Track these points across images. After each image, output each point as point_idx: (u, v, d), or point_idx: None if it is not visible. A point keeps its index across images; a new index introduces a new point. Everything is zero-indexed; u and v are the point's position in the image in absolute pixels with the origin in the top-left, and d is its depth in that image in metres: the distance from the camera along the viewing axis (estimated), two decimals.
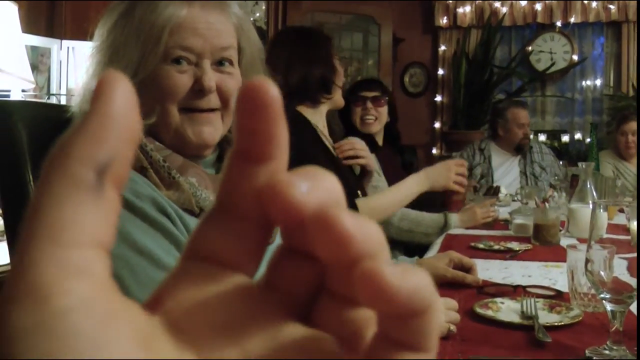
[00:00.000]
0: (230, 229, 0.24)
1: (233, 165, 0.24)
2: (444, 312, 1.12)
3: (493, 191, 3.25)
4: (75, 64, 2.89)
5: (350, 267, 0.21)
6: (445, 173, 2.16)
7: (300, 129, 2.10)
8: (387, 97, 3.01)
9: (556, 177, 3.84)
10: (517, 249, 1.96)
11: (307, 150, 2.07)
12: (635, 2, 6.44)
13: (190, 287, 0.23)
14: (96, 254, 0.20)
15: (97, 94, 0.21)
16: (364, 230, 0.22)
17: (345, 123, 2.98)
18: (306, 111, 2.20)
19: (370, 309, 0.23)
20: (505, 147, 4.27)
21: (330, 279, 0.24)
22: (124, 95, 0.21)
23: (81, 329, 0.19)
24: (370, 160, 2.34)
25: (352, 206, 2.05)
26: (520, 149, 4.21)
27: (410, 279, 0.21)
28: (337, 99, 2.31)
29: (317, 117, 2.23)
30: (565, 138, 6.75)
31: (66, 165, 0.20)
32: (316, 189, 0.23)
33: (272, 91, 0.23)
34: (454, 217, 2.52)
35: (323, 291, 0.24)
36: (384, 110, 2.96)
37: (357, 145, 2.30)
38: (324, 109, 2.28)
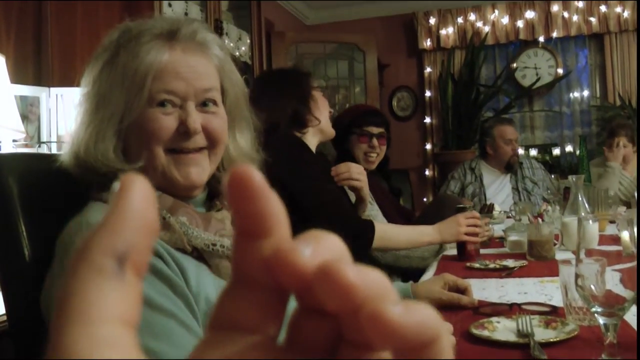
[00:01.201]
0: (247, 299, 0.26)
1: (239, 243, 0.26)
2: None
3: (487, 209, 3.27)
4: (64, 111, 2.91)
5: (357, 312, 0.23)
6: (455, 228, 2.19)
7: (300, 150, 2.18)
8: (389, 132, 3.02)
9: (549, 191, 3.86)
10: (513, 266, 1.97)
11: (308, 164, 2.11)
12: (616, 14, 6.51)
13: (214, 351, 0.25)
14: (123, 329, 0.23)
15: (118, 193, 0.24)
16: (366, 277, 0.23)
17: (340, 152, 2.98)
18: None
19: (381, 347, 0.24)
20: (495, 165, 4.29)
21: (345, 329, 0.25)
22: (141, 193, 0.24)
23: None
24: (366, 186, 2.35)
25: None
26: (511, 167, 4.23)
27: (414, 313, 0.23)
28: (325, 128, 2.33)
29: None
30: (556, 151, 6.78)
31: (90, 255, 0.23)
32: (319, 250, 0.25)
33: (256, 176, 0.25)
34: None
35: (342, 342, 0.26)
36: (385, 146, 2.98)
37: (353, 168, 2.32)
38: (312, 140, 2.30)
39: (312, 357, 0.26)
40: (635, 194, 2.97)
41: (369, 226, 2.08)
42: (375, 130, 2.92)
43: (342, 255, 0.25)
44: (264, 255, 0.25)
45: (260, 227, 0.26)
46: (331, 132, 2.38)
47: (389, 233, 2.12)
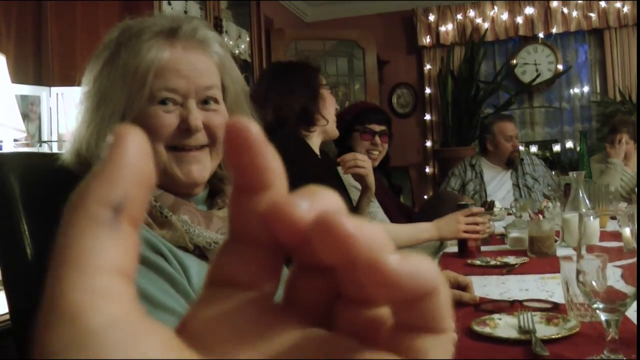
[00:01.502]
0: (243, 255, 0.26)
1: (236, 199, 0.26)
2: None
3: (488, 206, 3.27)
4: (65, 110, 2.91)
5: (355, 264, 0.23)
6: (454, 225, 2.20)
7: (299, 148, 2.17)
8: (391, 129, 3.03)
9: (549, 188, 3.86)
10: (514, 263, 1.97)
11: (310, 165, 2.11)
12: (616, 9, 6.51)
13: (210, 307, 0.25)
14: (119, 279, 0.22)
15: (113, 143, 0.24)
16: (364, 229, 0.23)
17: (341, 149, 2.98)
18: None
19: (380, 299, 0.24)
20: (495, 162, 4.29)
21: (342, 284, 0.25)
22: (136, 144, 0.24)
23: (114, 343, 0.21)
24: (371, 174, 2.35)
25: None
26: (511, 163, 4.23)
27: (411, 262, 0.22)
28: (329, 129, 2.33)
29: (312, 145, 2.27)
30: (556, 148, 6.78)
31: (85, 205, 0.22)
32: (316, 203, 0.24)
33: (253, 128, 0.25)
34: None
35: (339, 298, 0.26)
36: (387, 144, 2.98)
37: (358, 156, 2.33)
38: (316, 140, 2.30)
39: (309, 314, 0.25)
40: (636, 190, 2.97)
41: None
42: (377, 127, 2.93)
43: (339, 209, 0.25)
44: (261, 209, 0.25)
45: (257, 181, 0.25)
46: (335, 132, 2.39)
47: (387, 232, 2.11)
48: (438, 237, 2.24)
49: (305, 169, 2.09)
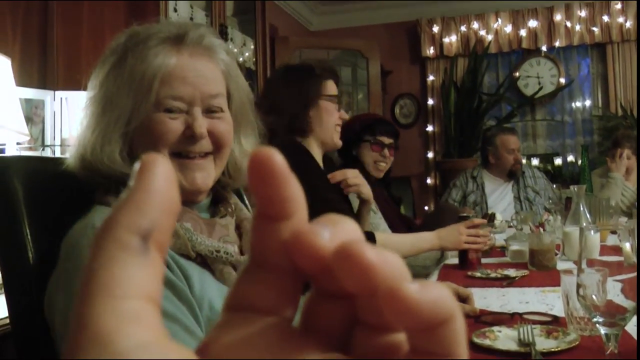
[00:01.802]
0: (264, 281, 0.26)
1: (258, 226, 0.27)
2: None
3: (489, 218, 3.27)
4: (69, 115, 2.91)
5: (375, 292, 0.24)
6: (455, 235, 2.19)
7: (301, 158, 2.14)
8: (397, 142, 3.05)
9: (550, 201, 3.87)
10: (514, 275, 1.97)
11: (310, 174, 2.09)
12: (619, 24, 6.52)
13: (231, 332, 0.26)
14: (147, 305, 0.23)
15: (141, 171, 0.24)
16: (385, 258, 0.24)
17: (345, 158, 2.98)
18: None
19: (399, 326, 0.25)
20: (497, 174, 4.30)
21: (361, 311, 0.26)
22: (164, 172, 0.25)
23: None
24: (365, 187, 2.35)
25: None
26: (513, 175, 4.24)
27: (430, 291, 0.23)
28: (327, 140, 2.30)
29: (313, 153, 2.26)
30: (558, 161, 6.79)
31: (114, 232, 0.24)
32: (337, 233, 0.25)
33: (277, 158, 0.26)
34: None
35: (357, 324, 0.26)
36: (393, 157, 3.00)
37: (348, 174, 2.31)
38: (315, 148, 2.29)
39: (327, 340, 0.26)
40: (636, 205, 2.98)
41: (369, 238, 2.06)
42: (387, 140, 2.95)
43: (359, 238, 0.26)
44: (283, 237, 0.26)
45: (280, 210, 0.26)
46: (335, 143, 2.34)
47: (389, 243, 2.11)
48: (439, 247, 2.23)
49: (304, 178, 2.06)
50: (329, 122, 2.29)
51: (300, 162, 2.13)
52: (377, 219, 2.61)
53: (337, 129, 2.32)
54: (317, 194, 2.06)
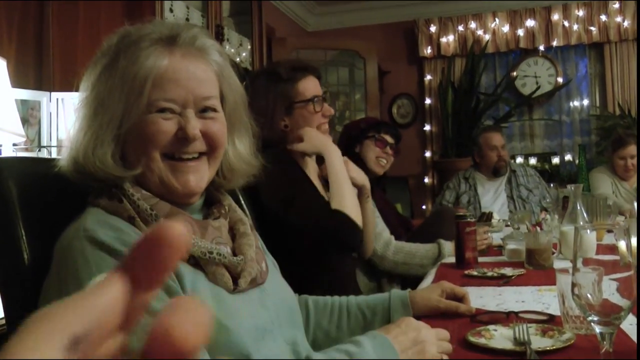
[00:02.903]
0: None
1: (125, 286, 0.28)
2: (436, 343, 1.13)
3: (486, 218, 3.27)
4: (65, 115, 2.91)
5: None
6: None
7: (284, 166, 2.05)
8: (399, 145, 3.09)
9: (547, 200, 3.87)
10: (511, 274, 1.97)
11: (290, 184, 2.03)
12: (616, 23, 6.53)
13: None
14: None
15: (99, 283, 0.26)
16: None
17: (348, 155, 2.97)
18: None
19: None
20: (485, 173, 4.36)
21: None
22: (117, 291, 0.27)
23: None
24: (360, 176, 2.33)
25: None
26: (498, 172, 4.29)
27: None
28: (308, 149, 2.15)
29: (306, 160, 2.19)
30: (555, 160, 6.79)
31: (49, 326, 0.24)
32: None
33: (179, 236, 0.27)
34: (447, 246, 2.54)
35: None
36: (393, 158, 3.04)
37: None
38: (305, 157, 2.19)
39: None
40: (635, 204, 2.97)
41: (340, 215, 1.96)
42: (390, 139, 3.00)
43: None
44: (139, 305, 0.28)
45: (152, 282, 0.28)
46: (315, 149, 2.15)
47: (345, 202, 2.01)
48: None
49: (285, 191, 1.99)
50: (312, 125, 2.16)
51: (281, 173, 2.01)
52: (375, 218, 2.62)
53: (322, 128, 2.18)
54: (297, 202, 1.98)
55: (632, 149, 4.29)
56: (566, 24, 6.71)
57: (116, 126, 1.06)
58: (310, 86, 2.17)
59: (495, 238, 2.79)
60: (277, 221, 1.96)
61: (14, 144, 2.55)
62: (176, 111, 1.08)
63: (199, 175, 1.11)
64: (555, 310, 1.41)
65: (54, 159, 1.17)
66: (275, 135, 2.12)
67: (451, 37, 6.96)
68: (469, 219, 2.26)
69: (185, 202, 1.13)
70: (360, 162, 2.81)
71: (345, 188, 2.06)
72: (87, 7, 3.22)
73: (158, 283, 0.28)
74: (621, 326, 1.12)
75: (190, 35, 1.11)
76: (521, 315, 1.39)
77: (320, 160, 2.22)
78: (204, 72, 1.12)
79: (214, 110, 1.13)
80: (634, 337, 1.18)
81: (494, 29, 6.87)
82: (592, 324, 1.00)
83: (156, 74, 1.06)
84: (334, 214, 1.97)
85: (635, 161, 4.29)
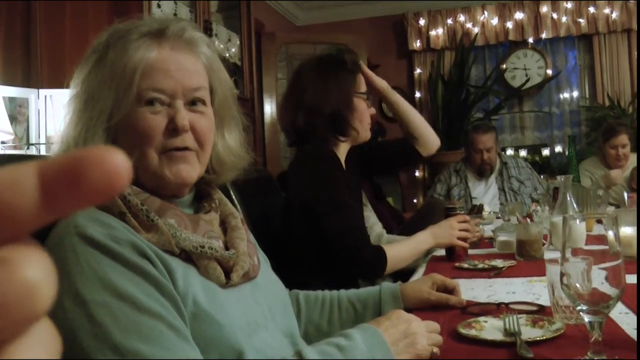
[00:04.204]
0: None
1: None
2: (426, 335, 1.13)
3: (477, 210, 3.28)
4: (53, 112, 2.90)
5: None
6: (448, 231, 2.18)
7: (327, 167, 2.10)
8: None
9: (538, 191, 3.88)
10: (501, 266, 1.97)
11: (335, 187, 2.06)
12: (605, 15, 6.55)
13: None
14: None
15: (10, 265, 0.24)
16: None
17: None
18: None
19: None
20: (473, 169, 4.37)
21: None
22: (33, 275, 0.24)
23: None
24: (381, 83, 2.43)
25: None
26: (482, 174, 4.30)
27: None
28: (360, 138, 2.27)
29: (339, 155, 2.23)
30: (546, 152, 6.82)
31: None
32: None
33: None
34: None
35: None
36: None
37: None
38: (344, 147, 2.25)
39: None
40: (625, 195, 2.98)
41: (382, 258, 2.02)
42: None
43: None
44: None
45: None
46: (366, 136, 2.30)
47: (396, 257, 2.07)
48: (435, 245, 2.22)
49: (329, 191, 2.04)
50: (366, 121, 2.25)
51: (327, 172, 2.09)
52: (367, 212, 2.61)
53: (368, 126, 2.28)
54: (340, 210, 2.03)
55: (623, 138, 4.32)
56: (555, 16, 6.73)
57: (106, 119, 1.06)
58: (363, 82, 2.29)
59: (486, 230, 2.80)
60: (310, 215, 2.02)
61: (2, 142, 2.54)
62: (165, 102, 1.08)
63: (189, 166, 1.11)
64: (545, 300, 1.41)
65: (43, 156, 1.17)
66: (330, 125, 2.17)
67: (440, 30, 6.97)
68: (458, 211, 2.26)
69: (176, 194, 1.13)
70: None
71: (409, 258, 2.15)
72: (74, 5, 3.20)
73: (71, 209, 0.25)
74: (610, 315, 1.13)
75: (178, 27, 1.11)
76: (511, 306, 1.40)
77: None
78: (193, 64, 1.12)
79: (203, 103, 1.12)
80: (623, 326, 1.19)
81: (483, 22, 6.88)
82: (581, 313, 1.00)
83: (145, 65, 1.06)
84: (378, 249, 2.04)
85: (626, 150, 4.31)
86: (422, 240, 2.18)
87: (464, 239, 2.21)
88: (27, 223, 0.24)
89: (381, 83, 2.49)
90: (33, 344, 0.24)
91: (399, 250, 2.12)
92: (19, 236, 0.24)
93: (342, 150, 2.25)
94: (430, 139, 2.65)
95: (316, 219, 2.02)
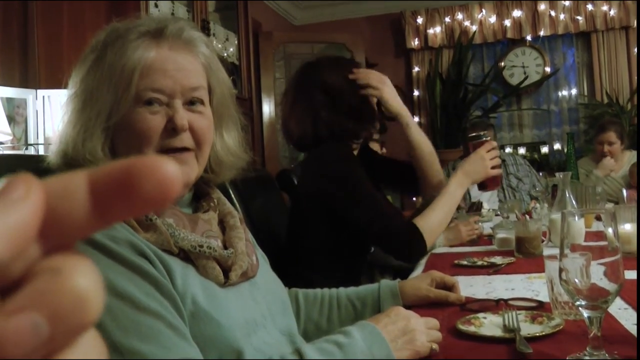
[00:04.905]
0: None
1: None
2: (425, 332, 1.13)
3: (476, 207, 3.28)
4: (51, 113, 2.90)
5: None
6: (481, 163, 2.10)
7: (348, 165, 2.09)
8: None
9: (537, 189, 3.88)
10: (500, 263, 1.98)
11: (357, 182, 2.05)
12: (603, 12, 6.55)
13: None
14: None
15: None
16: None
17: None
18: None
19: None
20: None
21: None
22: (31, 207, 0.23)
23: None
24: (386, 93, 2.29)
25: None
26: None
27: None
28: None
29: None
30: (544, 149, 6.82)
31: None
32: None
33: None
34: (440, 237, 2.54)
35: None
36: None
37: (371, 75, 2.27)
38: (356, 146, 2.28)
39: None
40: (624, 191, 2.98)
41: (417, 234, 1.97)
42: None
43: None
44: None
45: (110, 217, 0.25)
46: (398, 109, 2.38)
47: (433, 223, 2.01)
48: (471, 183, 2.13)
49: (353, 187, 2.03)
50: (375, 117, 2.29)
51: (348, 170, 2.07)
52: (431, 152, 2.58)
53: None
54: (365, 201, 2.01)
55: (610, 135, 4.35)
56: (553, 13, 6.73)
57: (105, 119, 1.06)
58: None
59: (485, 227, 2.80)
60: (331, 209, 2.02)
61: (1, 143, 2.54)
62: (164, 102, 1.08)
63: (188, 168, 1.11)
64: (544, 297, 1.41)
65: (41, 156, 1.17)
66: (363, 129, 2.21)
67: (438, 29, 6.97)
68: (483, 138, 2.19)
69: None
70: None
71: (448, 213, 2.08)
72: (71, 4, 3.20)
73: (112, 221, 0.25)
74: (609, 310, 1.13)
75: (177, 27, 1.11)
76: (510, 302, 1.40)
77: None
78: (191, 64, 1.12)
79: (202, 102, 1.12)
80: (622, 322, 1.19)
81: (480, 20, 6.89)
82: (580, 308, 1.01)
83: (144, 65, 1.06)
84: (410, 227, 1.99)
85: (613, 148, 4.34)
86: (456, 185, 2.09)
87: (494, 166, 2.15)
88: (77, 232, 0.24)
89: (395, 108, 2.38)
90: (83, 352, 0.24)
91: (434, 214, 2.04)
92: (68, 245, 0.25)
93: (355, 148, 2.26)
94: (432, 183, 2.41)
95: (339, 214, 2.00)
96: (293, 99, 2.23)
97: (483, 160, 2.11)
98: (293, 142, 2.25)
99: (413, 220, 2.02)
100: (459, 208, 2.30)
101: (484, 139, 2.18)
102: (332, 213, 2.04)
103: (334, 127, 2.14)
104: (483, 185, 2.17)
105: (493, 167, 2.12)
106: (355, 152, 2.26)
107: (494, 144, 2.18)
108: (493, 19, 6.85)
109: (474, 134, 2.25)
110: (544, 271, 1.36)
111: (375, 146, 3.00)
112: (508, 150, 6.59)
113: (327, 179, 2.06)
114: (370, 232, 1.99)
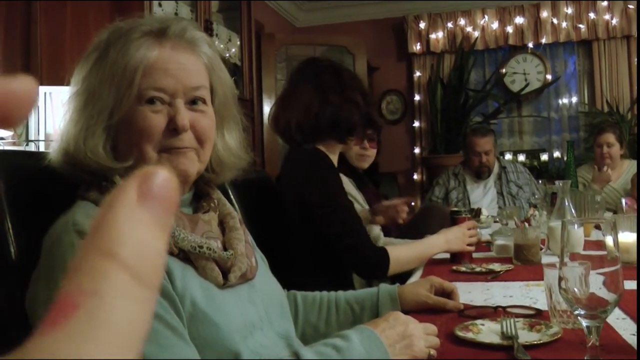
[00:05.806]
0: None
1: None
2: (424, 338, 1.13)
3: (475, 213, 3.28)
4: (53, 110, 2.89)
5: None
6: (461, 237, 2.20)
7: (323, 168, 2.16)
8: (379, 135, 3.05)
9: (536, 196, 3.89)
10: (499, 270, 1.98)
11: (331, 188, 2.12)
12: (605, 21, 6.56)
13: None
14: None
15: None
16: None
17: None
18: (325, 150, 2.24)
19: None
20: (470, 173, 4.38)
21: None
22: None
23: None
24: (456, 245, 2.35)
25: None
26: (479, 176, 4.31)
27: None
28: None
29: (332, 157, 2.26)
30: (544, 157, 6.82)
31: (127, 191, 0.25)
32: None
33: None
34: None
35: None
36: (375, 149, 3.01)
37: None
38: (337, 149, 2.30)
39: None
40: (623, 201, 2.98)
41: (384, 258, 2.07)
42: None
43: None
44: None
45: None
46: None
47: (401, 257, 2.11)
48: (447, 250, 2.22)
49: (327, 193, 2.11)
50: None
51: (324, 174, 2.16)
52: (365, 213, 2.61)
53: None
54: (338, 212, 2.10)
55: (608, 136, 4.36)
56: (555, 21, 6.74)
57: (107, 117, 1.06)
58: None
59: (484, 234, 2.80)
60: (308, 217, 2.09)
61: (1, 139, 2.54)
62: (165, 101, 1.08)
63: (189, 161, 1.11)
64: (542, 305, 1.41)
65: (42, 153, 1.17)
66: (349, 131, 2.24)
67: (440, 34, 6.97)
68: (464, 215, 2.27)
69: None
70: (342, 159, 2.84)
71: (416, 260, 2.18)
72: (74, 3, 3.20)
73: None
74: (608, 320, 1.13)
75: (180, 27, 1.11)
76: (509, 309, 1.40)
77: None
78: (194, 64, 1.12)
79: (204, 101, 1.12)
80: (620, 332, 1.19)
81: (483, 26, 6.89)
82: (578, 317, 1.00)
83: (146, 64, 1.06)
84: (381, 251, 2.09)
85: (612, 150, 4.35)
86: (434, 244, 2.19)
87: (470, 243, 2.22)
88: None
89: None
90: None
91: (407, 251, 2.15)
92: None
93: (335, 153, 2.29)
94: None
95: (315, 221, 2.05)
96: (288, 86, 2.34)
97: (464, 236, 2.22)
98: (279, 131, 2.31)
99: (387, 247, 2.12)
100: (460, 212, 2.32)
101: (464, 215, 2.31)
102: (309, 221, 2.10)
103: (320, 123, 2.19)
104: (455, 257, 2.23)
105: (470, 244, 2.23)
106: (337, 151, 2.30)
107: (475, 223, 2.33)
108: (495, 25, 6.86)
109: (456, 210, 2.38)
110: (542, 279, 1.36)
111: (371, 152, 2.98)
112: (508, 157, 6.59)
113: (301, 187, 2.13)
114: (338, 245, 2.06)
